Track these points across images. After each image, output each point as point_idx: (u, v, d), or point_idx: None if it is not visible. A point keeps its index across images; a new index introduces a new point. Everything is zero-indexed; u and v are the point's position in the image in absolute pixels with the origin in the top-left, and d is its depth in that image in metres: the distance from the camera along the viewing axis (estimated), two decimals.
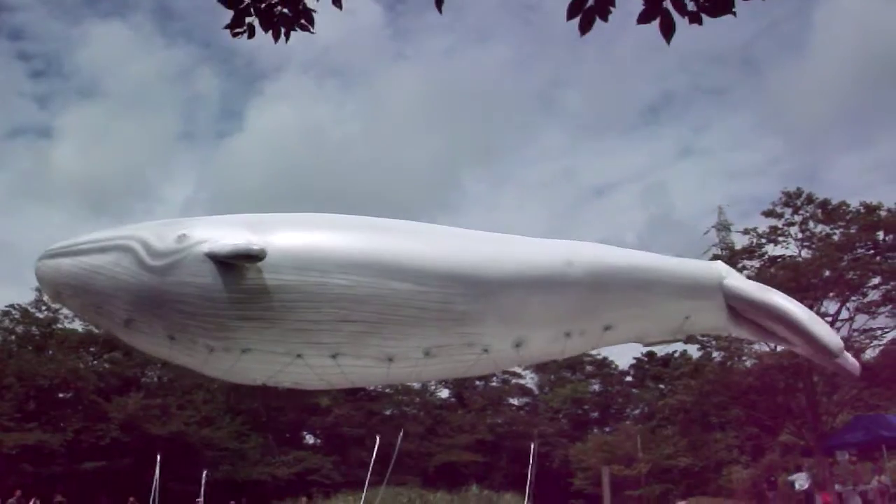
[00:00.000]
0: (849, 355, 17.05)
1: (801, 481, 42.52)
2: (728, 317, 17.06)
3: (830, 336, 16.89)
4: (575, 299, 15.51)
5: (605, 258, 16.12)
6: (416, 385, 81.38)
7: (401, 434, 31.19)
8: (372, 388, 79.30)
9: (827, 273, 44.97)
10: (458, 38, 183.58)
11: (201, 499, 42.17)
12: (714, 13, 7.01)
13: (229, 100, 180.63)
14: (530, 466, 33.59)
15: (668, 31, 7.08)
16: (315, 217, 15.76)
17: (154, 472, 38.76)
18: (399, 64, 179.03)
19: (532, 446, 33.74)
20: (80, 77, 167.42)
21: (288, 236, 14.42)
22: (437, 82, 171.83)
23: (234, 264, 13.77)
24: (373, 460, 31.14)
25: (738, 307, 16.95)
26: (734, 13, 7.02)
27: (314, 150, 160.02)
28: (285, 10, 8.26)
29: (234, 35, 8.32)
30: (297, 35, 8.38)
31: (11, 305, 58.78)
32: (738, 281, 18.00)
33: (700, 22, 7.06)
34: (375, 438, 32.41)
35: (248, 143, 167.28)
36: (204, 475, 41.61)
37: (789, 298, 17.68)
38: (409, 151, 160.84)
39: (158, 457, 38.95)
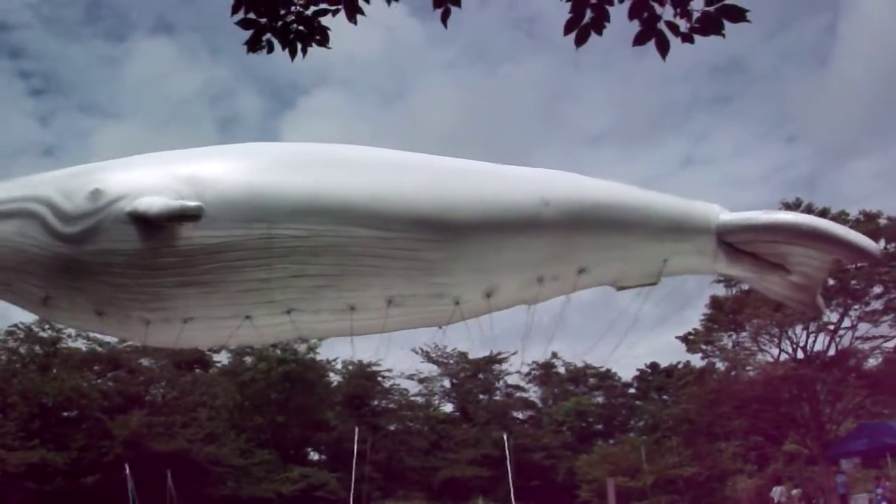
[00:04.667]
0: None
1: (777, 495, 43.31)
2: (721, 256, 16.06)
3: (861, 236, 16.44)
4: (550, 241, 14.09)
5: (584, 195, 14.33)
6: (420, 399, 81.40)
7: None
8: (376, 402, 79.39)
9: (832, 281, 45.02)
10: (460, 52, 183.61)
11: None
12: (705, 33, 7.38)
13: (267, 116, 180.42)
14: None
15: (663, 49, 7.51)
16: (255, 150, 14.08)
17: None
18: (429, 78, 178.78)
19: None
20: (112, 94, 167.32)
21: (226, 181, 12.72)
22: (456, 98, 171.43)
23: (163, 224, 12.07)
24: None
25: (743, 240, 15.94)
26: (723, 34, 7.39)
27: None
28: (301, 28, 8.52)
29: (253, 52, 8.60)
30: (335, 52, 8.60)
31: (15, 325, 58.74)
32: (738, 214, 16.82)
33: (692, 41, 7.45)
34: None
35: None
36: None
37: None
38: None
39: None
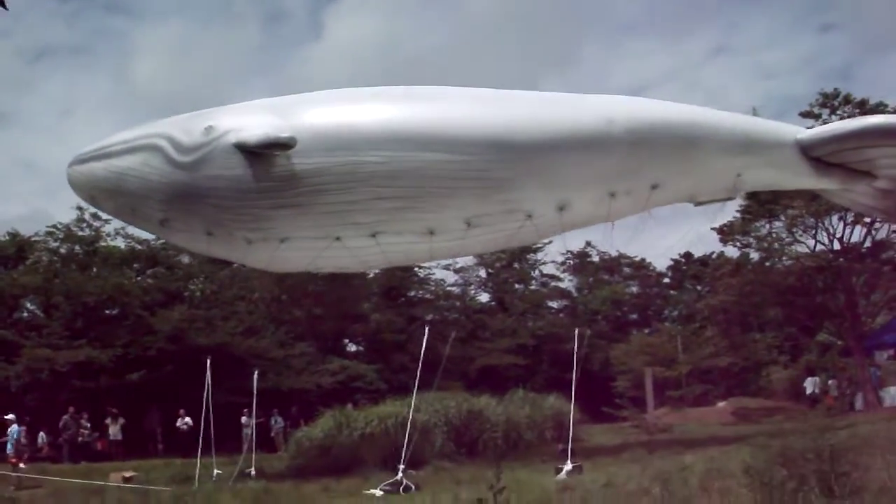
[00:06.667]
0: None
1: (811, 386, 43.87)
2: (808, 170, 16.64)
3: None
4: (617, 157, 15.36)
5: (649, 114, 15.61)
6: (457, 290, 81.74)
7: (451, 338, 29.67)
8: (413, 293, 79.69)
9: None
10: None
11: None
12: None
13: (311, 12, 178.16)
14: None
15: None
16: (342, 93, 15.85)
17: (200, 382, 37.55)
18: None
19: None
20: None
21: (315, 117, 14.76)
22: None
23: (263, 153, 13.95)
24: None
25: (830, 151, 16.42)
26: None
27: (390, 61, 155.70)
28: None
29: None
30: None
31: (54, 225, 58.99)
32: (820, 128, 17.60)
33: None
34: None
35: (329, 55, 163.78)
36: (255, 380, 38.62)
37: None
38: (487, 62, 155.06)
39: (209, 362, 36.97)
